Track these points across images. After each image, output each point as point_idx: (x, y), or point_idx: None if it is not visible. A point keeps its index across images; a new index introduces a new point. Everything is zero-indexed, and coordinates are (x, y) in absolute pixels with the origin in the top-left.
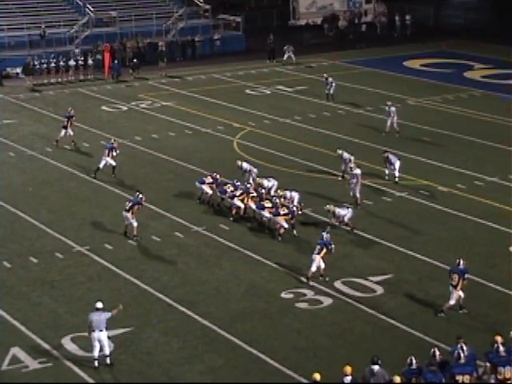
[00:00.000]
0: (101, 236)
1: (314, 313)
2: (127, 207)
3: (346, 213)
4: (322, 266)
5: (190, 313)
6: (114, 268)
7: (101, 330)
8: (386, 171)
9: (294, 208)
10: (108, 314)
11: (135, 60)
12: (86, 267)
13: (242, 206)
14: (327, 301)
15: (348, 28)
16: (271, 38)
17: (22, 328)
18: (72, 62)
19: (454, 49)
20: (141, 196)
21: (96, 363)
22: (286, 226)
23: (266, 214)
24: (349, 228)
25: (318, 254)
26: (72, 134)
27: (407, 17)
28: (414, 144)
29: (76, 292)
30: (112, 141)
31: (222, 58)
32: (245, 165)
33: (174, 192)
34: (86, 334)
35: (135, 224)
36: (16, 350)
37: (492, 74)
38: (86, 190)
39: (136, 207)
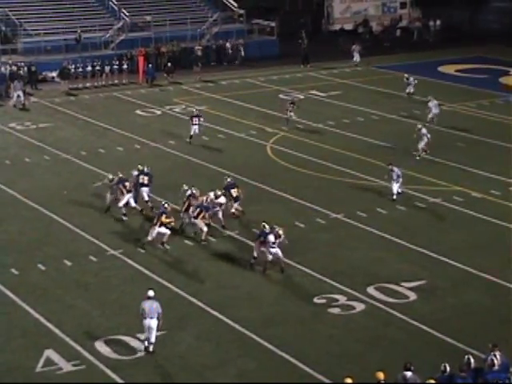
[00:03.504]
0: (134, 239)
1: (347, 318)
2: (195, 214)
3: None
4: (205, 229)
5: (222, 317)
6: (146, 272)
7: (151, 318)
8: (393, 187)
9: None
10: (159, 307)
11: (169, 64)
12: (119, 270)
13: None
14: (360, 306)
15: (383, 33)
16: (305, 42)
17: (56, 330)
18: (107, 67)
19: (489, 54)
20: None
21: (146, 343)
22: (205, 228)
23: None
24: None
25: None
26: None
27: (437, 22)
28: (448, 150)
29: (110, 295)
30: (194, 109)
31: (256, 62)
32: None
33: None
34: (140, 320)
35: (205, 229)
36: (50, 352)
37: None
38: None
39: (202, 213)
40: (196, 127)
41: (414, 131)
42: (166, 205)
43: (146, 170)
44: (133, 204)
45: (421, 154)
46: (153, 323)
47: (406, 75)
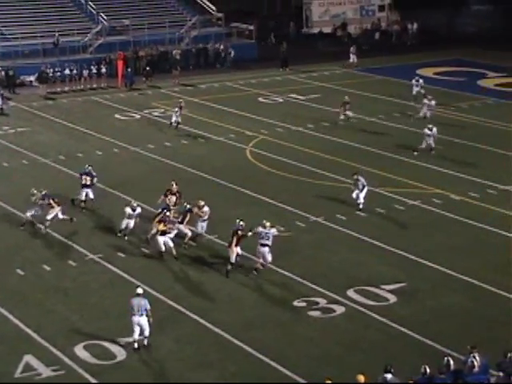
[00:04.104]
0: (113, 244)
1: (327, 321)
2: (180, 219)
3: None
4: (189, 233)
5: (202, 321)
6: (126, 276)
7: (141, 315)
8: (354, 195)
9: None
10: (147, 304)
11: (148, 68)
12: (98, 275)
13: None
14: (340, 309)
15: (362, 36)
16: (284, 46)
17: (35, 336)
18: (91, 68)
19: (467, 57)
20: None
21: (136, 345)
22: (189, 233)
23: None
24: None
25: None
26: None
27: (415, 25)
28: (427, 152)
29: (89, 299)
30: (180, 100)
31: (235, 66)
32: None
33: (186, 200)
34: (130, 317)
35: (189, 233)
36: (29, 358)
37: (505, 82)
38: (99, 198)
39: (188, 216)
40: (178, 117)
41: (424, 132)
42: (167, 212)
43: (87, 170)
44: (60, 216)
45: (433, 150)
46: (142, 320)
47: (416, 77)
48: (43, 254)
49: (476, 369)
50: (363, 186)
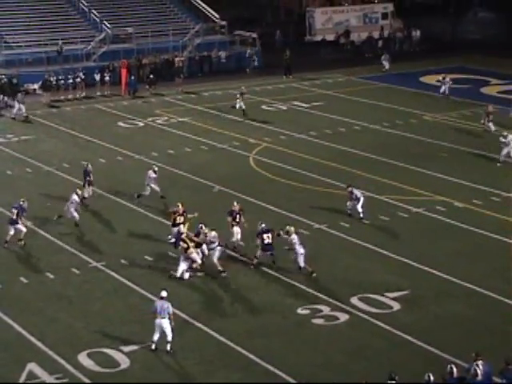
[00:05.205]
0: (117, 252)
1: (331, 329)
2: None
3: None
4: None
5: (206, 328)
6: (129, 284)
7: (163, 318)
8: (348, 204)
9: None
10: (170, 308)
11: (152, 76)
12: (102, 283)
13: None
14: (344, 317)
15: (364, 44)
16: (287, 53)
17: (39, 344)
18: (81, 76)
19: (470, 64)
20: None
21: (153, 346)
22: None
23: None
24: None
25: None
26: None
27: (417, 32)
28: (431, 159)
29: (92, 307)
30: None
31: (239, 73)
32: None
33: (189, 208)
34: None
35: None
36: (32, 366)
37: (508, 89)
38: (102, 206)
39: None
40: (241, 102)
41: (500, 140)
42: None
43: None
44: (11, 232)
45: (505, 160)
46: (164, 323)
47: (442, 75)
48: (47, 262)
49: (479, 377)
50: (358, 198)
